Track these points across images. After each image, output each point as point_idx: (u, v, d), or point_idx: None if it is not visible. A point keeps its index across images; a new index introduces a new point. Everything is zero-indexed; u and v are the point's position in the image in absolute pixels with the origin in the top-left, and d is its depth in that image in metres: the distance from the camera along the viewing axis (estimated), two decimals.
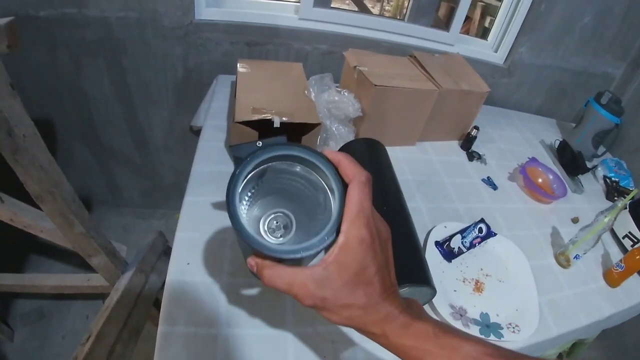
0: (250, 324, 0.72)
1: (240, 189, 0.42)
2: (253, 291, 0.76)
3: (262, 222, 0.50)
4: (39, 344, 1.51)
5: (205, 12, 1.39)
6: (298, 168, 0.45)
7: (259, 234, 0.48)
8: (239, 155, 0.43)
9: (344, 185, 0.40)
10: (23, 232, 1.06)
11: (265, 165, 0.44)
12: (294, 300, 0.76)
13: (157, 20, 1.34)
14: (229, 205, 0.40)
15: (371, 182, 0.41)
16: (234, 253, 0.82)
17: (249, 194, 0.47)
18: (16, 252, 1.71)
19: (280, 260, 0.40)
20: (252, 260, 0.41)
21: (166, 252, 1.38)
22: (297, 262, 0.41)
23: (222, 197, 0.92)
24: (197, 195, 0.92)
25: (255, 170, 0.43)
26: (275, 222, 0.50)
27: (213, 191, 0.94)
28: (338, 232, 0.38)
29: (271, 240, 0.48)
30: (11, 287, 1.36)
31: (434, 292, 0.75)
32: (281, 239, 0.49)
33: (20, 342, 1.51)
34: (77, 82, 1.46)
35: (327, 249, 0.39)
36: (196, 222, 0.86)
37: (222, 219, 0.88)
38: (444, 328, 0.41)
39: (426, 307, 0.82)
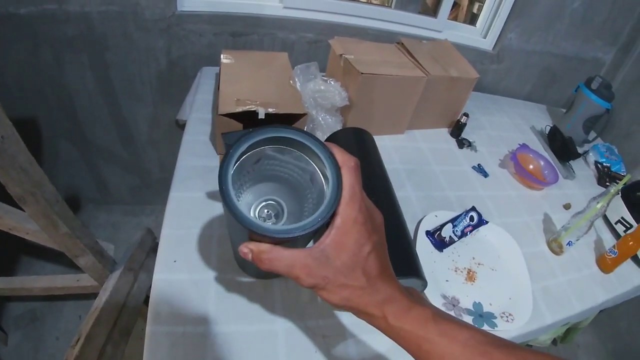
0: (239, 320, 0.70)
1: (232, 171, 0.41)
2: (241, 287, 0.75)
3: (252, 210, 0.49)
4: (33, 346, 1.50)
5: (187, 3, 1.36)
6: (290, 154, 0.45)
7: None
8: (230, 142, 0.42)
9: (338, 169, 0.41)
10: (11, 234, 1.04)
11: (258, 149, 0.43)
12: (284, 295, 0.76)
13: (138, 13, 1.31)
14: (222, 186, 0.39)
15: (359, 167, 0.41)
16: (221, 249, 0.80)
17: (240, 181, 0.46)
18: (6, 254, 1.68)
19: (275, 242, 0.39)
20: (245, 247, 0.40)
21: (155, 249, 1.37)
22: (292, 244, 0.40)
23: (207, 192, 0.91)
24: (183, 191, 0.90)
25: (247, 154, 0.43)
26: (266, 210, 0.50)
27: (199, 186, 0.92)
28: (332, 214, 0.39)
29: None
30: (2, 290, 1.35)
31: (424, 283, 0.74)
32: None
33: (14, 345, 1.49)
34: (60, 78, 1.44)
35: (320, 231, 0.40)
36: (182, 218, 0.85)
37: (209, 214, 0.87)
38: (443, 314, 0.41)
39: None
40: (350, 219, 0.39)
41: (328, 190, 0.40)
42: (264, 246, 0.39)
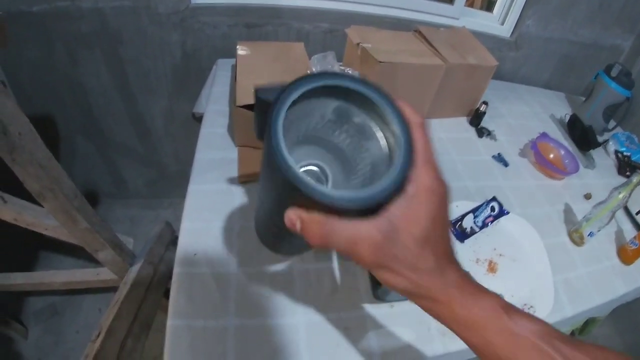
0: (260, 314, 0.70)
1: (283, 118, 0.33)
2: (262, 281, 0.75)
3: None
4: (53, 340, 1.52)
5: None
6: (341, 110, 0.38)
7: None
8: (266, 97, 0.35)
9: (407, 126, 0.34)
10: (30, 230, 1.05)
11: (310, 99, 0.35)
12: (305, 289, 0.75)
13: (152, 7, 1.31)
14: (272, 128, 0.32)
15: (427, 125, 0.35)
16: (242, 242, 0.80)
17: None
18: (25, 250, 1.71)
19: (331, 212, 0.32)
20: (294, 214, 0.33)
21: (174, 242, 1.37)
22: (352, 215, 0.33)
23: (226, 184, 0.90)
24: (202, 184, 0.91)
25: (298, 103, 0.34)
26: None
27: (217, 178, 0.92)
28: (402, 182, 0.32)
29: None
30: (22, 285, 1.37)
31: None
32: None
33: (35, 339, 1.52)
34: (75, 75, 1.44)
35: (387, 200, 0.32)
36: (201, 211, 0.85)
37: (228, 207, 0.87)
38: (510, 304, 0.37)
39: None
40: (425, 187, 0.32)
41: (400, 150, 0.33)
42: (318, 216, 0.32)
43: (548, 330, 0.34)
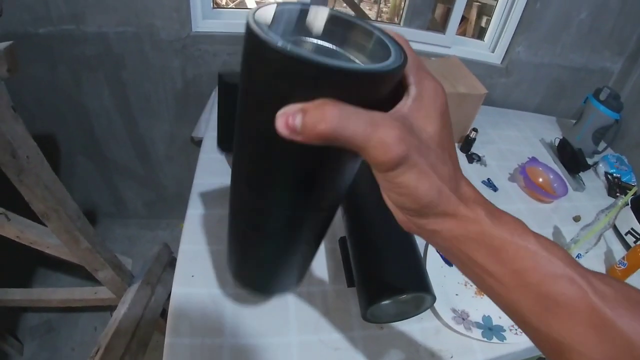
0: (254, 333, 0.73)
1: None
2: (257, 301, 0.78)
3: None
4: (48, 357, 1.53)
5: (202, 24, 1.41)
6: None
7: None
8: (231, 80, 0.28)
9: (394, 40, 0.30)
10: (30, 247, 1.08)
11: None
12: (298, 309, 0.77)
13: (154, 34, 1.35)
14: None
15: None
16: None
17: None
18: (24, 266, 1.73)
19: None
20: (290, 108, 0.24)
21: (171, 263, 1.39)
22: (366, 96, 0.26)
23: (223, 209, 0.93)
24: (200, 208, 0.93)
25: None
26: None
27: (215, 203, 0.95)
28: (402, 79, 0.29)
29: None
30: (20, 301, 1.39)
31: (433, 298, 0.76)
32: None
33: (30, 355, 1.53)
34: (78, 97, 1.48)
35: (398, 75, 0.28)
36: (199, 234, 0.88)
37: (224, 231, 0.88)
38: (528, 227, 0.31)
39: (427, 313, 0.82)
40: (429, 86, 0.28)
41: (391, 50, 0.28)
42: (326, 99, 0.24)
43: (571, 258, 0.30)
